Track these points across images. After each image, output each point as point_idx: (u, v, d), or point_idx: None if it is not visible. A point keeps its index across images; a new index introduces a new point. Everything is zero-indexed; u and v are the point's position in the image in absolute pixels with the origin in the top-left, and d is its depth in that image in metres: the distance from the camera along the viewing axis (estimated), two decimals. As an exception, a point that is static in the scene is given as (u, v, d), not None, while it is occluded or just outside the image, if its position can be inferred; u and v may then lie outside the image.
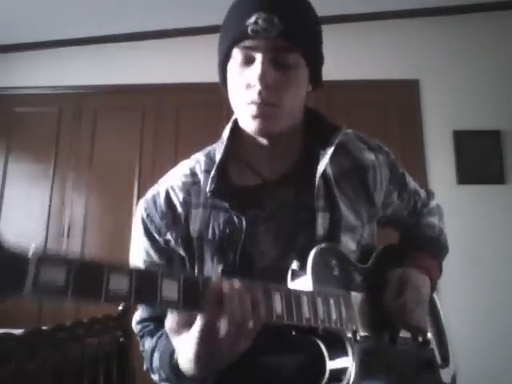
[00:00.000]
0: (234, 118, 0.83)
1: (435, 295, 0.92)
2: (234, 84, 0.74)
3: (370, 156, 0.85)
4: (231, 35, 0.73)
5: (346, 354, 0.65)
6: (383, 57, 3.01)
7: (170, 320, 0.60)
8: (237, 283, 0.55)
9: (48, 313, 2.82)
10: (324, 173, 0.78)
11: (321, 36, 0.78)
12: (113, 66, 3.28)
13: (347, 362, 0.64)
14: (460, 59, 2.96)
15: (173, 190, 0.80)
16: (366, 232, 0.82)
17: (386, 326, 0.76)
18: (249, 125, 0.74)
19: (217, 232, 0.74)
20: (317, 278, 0.67)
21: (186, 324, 0.57)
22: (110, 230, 2.94)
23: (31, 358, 1.14)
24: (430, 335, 0.84)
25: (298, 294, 0.62)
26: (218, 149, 0.81)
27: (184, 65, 3.13)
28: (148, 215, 0.79)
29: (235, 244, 0.73)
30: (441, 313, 0.93)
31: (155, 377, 0.72)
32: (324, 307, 0.64)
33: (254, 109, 0.71)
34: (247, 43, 0.70)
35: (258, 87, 0.69)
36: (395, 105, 2.92)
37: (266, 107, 0.71)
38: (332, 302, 0.66)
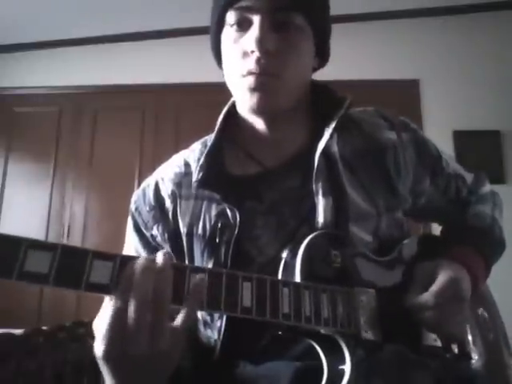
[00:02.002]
0: (230, 101, 0.75)
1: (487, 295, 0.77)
2: (229, 54, 0.65)
3: (390, 135, 0.72)
4: None
5: (344, 360, 0.55)
6: (383, 57, 3.01)
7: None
8: (159, 260, 0.47)
9: (48, 313, 2.82)
10: (328, 152, 0.67)
11: (327, 1, 0.69)
12: (113, 66, 3.28)
13: (345, 370, 0.54)
14: (460, 59, 2.96)
15: (163, 181, 0.73)
16: (383, 223, 0.68)
17: (406, 331, 0.62)
18: (246, 100, 0.65)
19: (207, 226, 0.66)
20: (309, 269, 0.58)
21: None
22: (110, 229, 2.93)
23: (31, 358, 1.14)
24: (473, 347, 0.66)
25: (276, 285, 0.52)
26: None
27: (184, 65, 3.13)
28: (136, 208, 0.74)
29: (228, 240, 0.64)
30: (496, 320, 0.76)
31: None
32: (311, 302, 0.54)
33: (251, 80, 0.62)
34: (243, 3, 0.62)
35: (256, 53, 0.60)
36: (395, 105, 2.91)
37: (266, 78, 0.62)
38: (325, 297, 0.56)
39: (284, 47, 0.62)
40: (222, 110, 0.77)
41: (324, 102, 0.72)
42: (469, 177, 0.82)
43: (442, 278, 0.62)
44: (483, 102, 2.86)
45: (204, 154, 0.69)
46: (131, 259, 0.47)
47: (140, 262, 0.46)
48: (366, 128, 0.73)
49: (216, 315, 0.65)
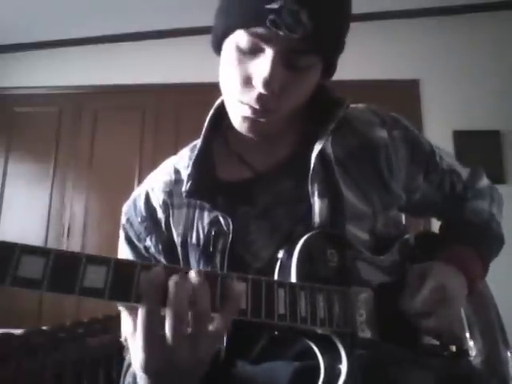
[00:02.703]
0: (219, 101, 0.71)
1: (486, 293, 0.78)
2: (229, 71, 0.61)
3: (382, 133, 0.71)
4: (240, 13, 0.57)
5: (340, 360, 0.55)
6: (383, 57, 3.01)
7: (125, 321, 0.49)
8: (192, 273, 0.46)
9: (48, 313, 2.82)
10: (323, 153, 0.66)
11: (348, 27, 0.65)
12: (113, 66, 3.28)
13: (342, 370, 0.54)
14: (460, 59, 2.96)
15: (153, 191, 0.71)
16: (380, 222, 0.68)
17: (403, 330, 0.62)
18: (237, 123, 0.64)
19: (201, 235, 0.65)
20: (305, 269, 0.57)
21: None
22: (109, 230, 2.93)
23: (31, 358, 1.14)
24: (471, 344, 0.67)
25: (271, 286, 0.52)
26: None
27: (184, 65, 3.13)
28: (128, 220, 0.72)
29: (222, 248, 0.63)
30: (494, 315, 0.76)
31: None
32: (307, 303, 0.54)
33: (247, 112, 0.60)
34: (260, 30, 0.55)
35: (259, 90, 0.57)
36: (395, 105, 2.91)
37: (262, 112, 0.60)
38: (321, 297, 0.55)
39: (288, 84, 0.59)
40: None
41: (321, 102, 0.70)
42: (464, 172, 0.81)
43: (426, 287, 0.62)
44: (483, 102, 2.86)
45: (192, 162, 0.68)
46: (127, 264, 0.47)
47: (174, 278, 0.45)
48: (358, 126, 0.71)
49: None
